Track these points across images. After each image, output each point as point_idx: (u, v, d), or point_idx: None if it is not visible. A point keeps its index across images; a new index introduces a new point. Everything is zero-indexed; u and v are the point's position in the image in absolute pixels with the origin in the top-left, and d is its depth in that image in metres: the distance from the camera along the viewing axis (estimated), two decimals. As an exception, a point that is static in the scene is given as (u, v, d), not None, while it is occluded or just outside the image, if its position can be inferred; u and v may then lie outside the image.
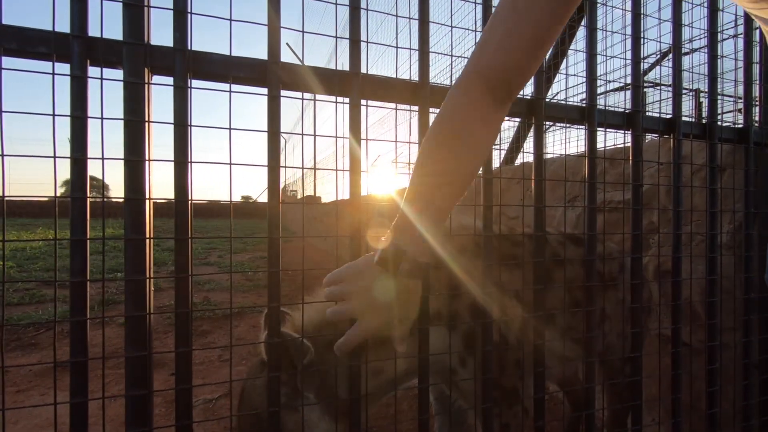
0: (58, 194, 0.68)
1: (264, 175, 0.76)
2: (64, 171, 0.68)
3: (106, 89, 0.66)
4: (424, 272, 0.74)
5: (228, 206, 0.75)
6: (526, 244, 1.13)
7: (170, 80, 0.71)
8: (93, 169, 0.71)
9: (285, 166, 0.75)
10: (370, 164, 0.89)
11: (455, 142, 0.65)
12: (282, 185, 0.77)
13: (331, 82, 0.80)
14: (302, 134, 0.78)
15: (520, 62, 0.61)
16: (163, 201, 0.77)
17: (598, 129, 1.03)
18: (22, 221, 20.87)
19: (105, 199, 0.69)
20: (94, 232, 0.68)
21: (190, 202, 0.71)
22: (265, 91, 0.76)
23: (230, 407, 0.89)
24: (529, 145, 2.83)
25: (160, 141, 0.77)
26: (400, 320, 0.68)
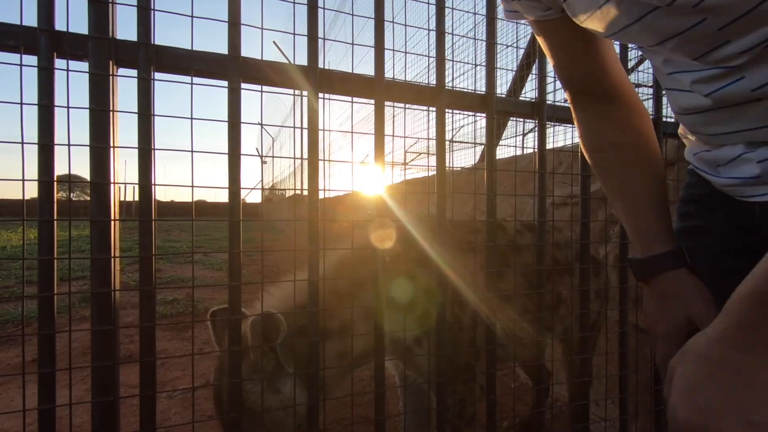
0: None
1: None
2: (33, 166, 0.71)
3: (76, 82, 0.71)
4: None
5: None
6: (481, 231, 1.20)
7: (134, 72, 0.75)
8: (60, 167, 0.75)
9: (245, 154, 0.81)
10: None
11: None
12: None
13: (287, 75, 0.86)
14: (260, 125, 0.83)
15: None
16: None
17: (548, 123, 1.11)
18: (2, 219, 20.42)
19: (71, 182, 0.74)
20: (62, 231, 0.73)
21: (153, 186, 0.76)
22: (226, 84, 0.81)
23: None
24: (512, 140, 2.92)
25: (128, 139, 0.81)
26: None
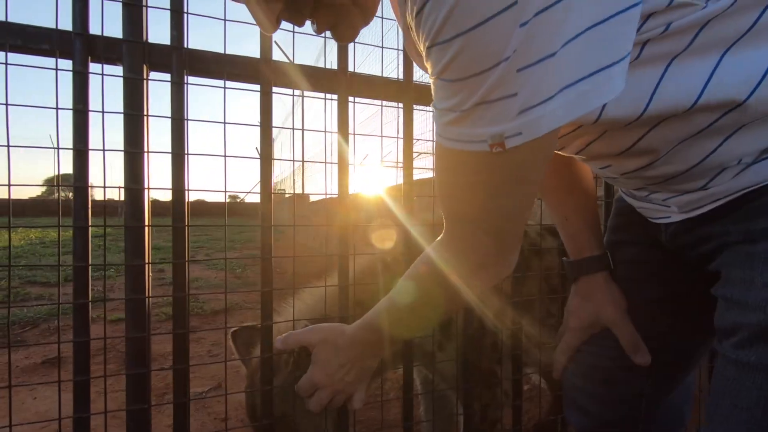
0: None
1: (254, 174, 0.81)
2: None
3: (96, 85, 0.70)
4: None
5: (214, 205, 0.78)
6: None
7: (167, 76, 0.75)
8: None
9: (276, 159, 0.80)
10: (359, 163, 0.95)
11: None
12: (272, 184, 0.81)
13: (320, 79, 0.85)
14: (292, 129, 0.83)
15: None
16: (161, 193, 0.81)
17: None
18: (1, 219, 20.37)
19: (106, 188, 0.73)
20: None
21: (187, 191, 0.75)
22: (257, 87, 0.80)
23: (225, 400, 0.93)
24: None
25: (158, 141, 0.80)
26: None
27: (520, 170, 0.42)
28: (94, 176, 0.72)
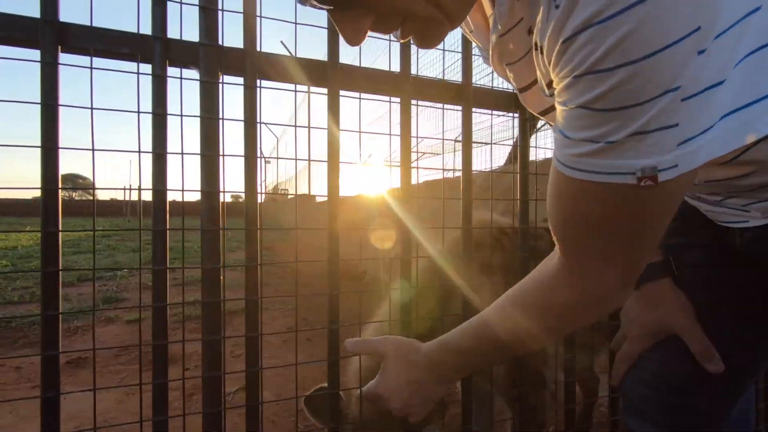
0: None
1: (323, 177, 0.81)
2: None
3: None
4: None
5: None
6: (544, 237, 1.19)
7: (240, 80, 0.75)
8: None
9: (344, 162, 0.80)
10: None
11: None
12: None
13: (384, 83, 0.85)
14: (359, 131, 0.83)
15: None
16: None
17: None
18: (8, 220, 20.48)
19: (183, 191, 0.73)
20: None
21: (258, 194, 0.75)
22: (325, 90, 0.80)
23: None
24: (535, 141, 2.91)
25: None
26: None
27: (667, 203, 0.40)
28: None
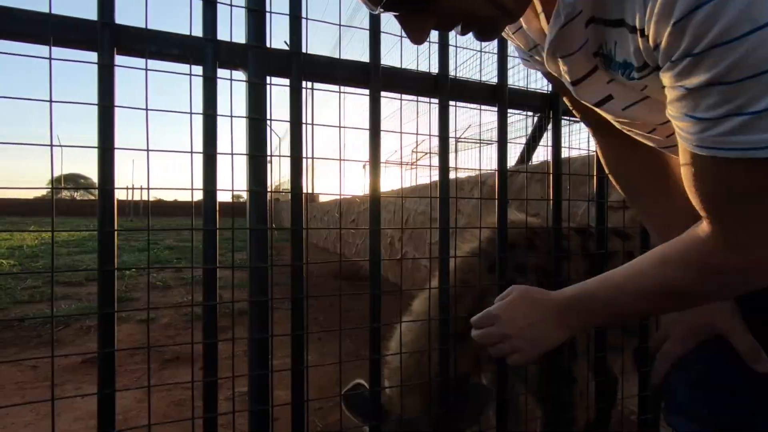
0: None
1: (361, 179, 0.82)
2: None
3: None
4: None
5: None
6: (573, 238, 1.20)
7: (286, 81, 0.76)
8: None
9: (387, 163, 0.81)
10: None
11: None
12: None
13: (424, 84, 0.86)
14: (401, 132, 0.83)
15: None
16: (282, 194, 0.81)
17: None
18: (12, 219, 20.51)
19: (234, 192, 0.74)
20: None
21: (305, 195, 0.76)
22: (367, 91, 0.81)
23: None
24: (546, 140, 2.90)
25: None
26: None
27: None
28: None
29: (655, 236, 0.77)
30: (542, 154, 3.20)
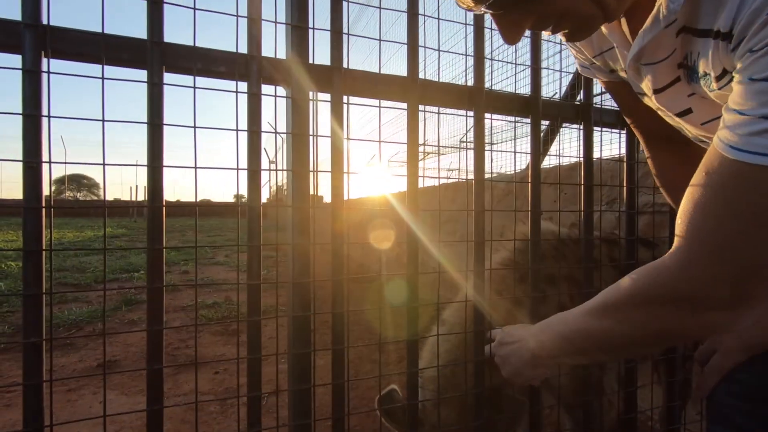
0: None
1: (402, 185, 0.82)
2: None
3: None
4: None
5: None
6: (601, 248, 1.20)
7: (327, 96, 0.76)
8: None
9: (427, 177, 0.81)
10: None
11: None
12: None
13: (461, 97, 0.86)
14: (460, 148, 0.84)
15: None
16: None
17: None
18: (17, 221, 20.57)
19: (313, 207, 0.74)
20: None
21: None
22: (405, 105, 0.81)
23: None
24: (557, 148, 2.89)
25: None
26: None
27: None
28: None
29: None
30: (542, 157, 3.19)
